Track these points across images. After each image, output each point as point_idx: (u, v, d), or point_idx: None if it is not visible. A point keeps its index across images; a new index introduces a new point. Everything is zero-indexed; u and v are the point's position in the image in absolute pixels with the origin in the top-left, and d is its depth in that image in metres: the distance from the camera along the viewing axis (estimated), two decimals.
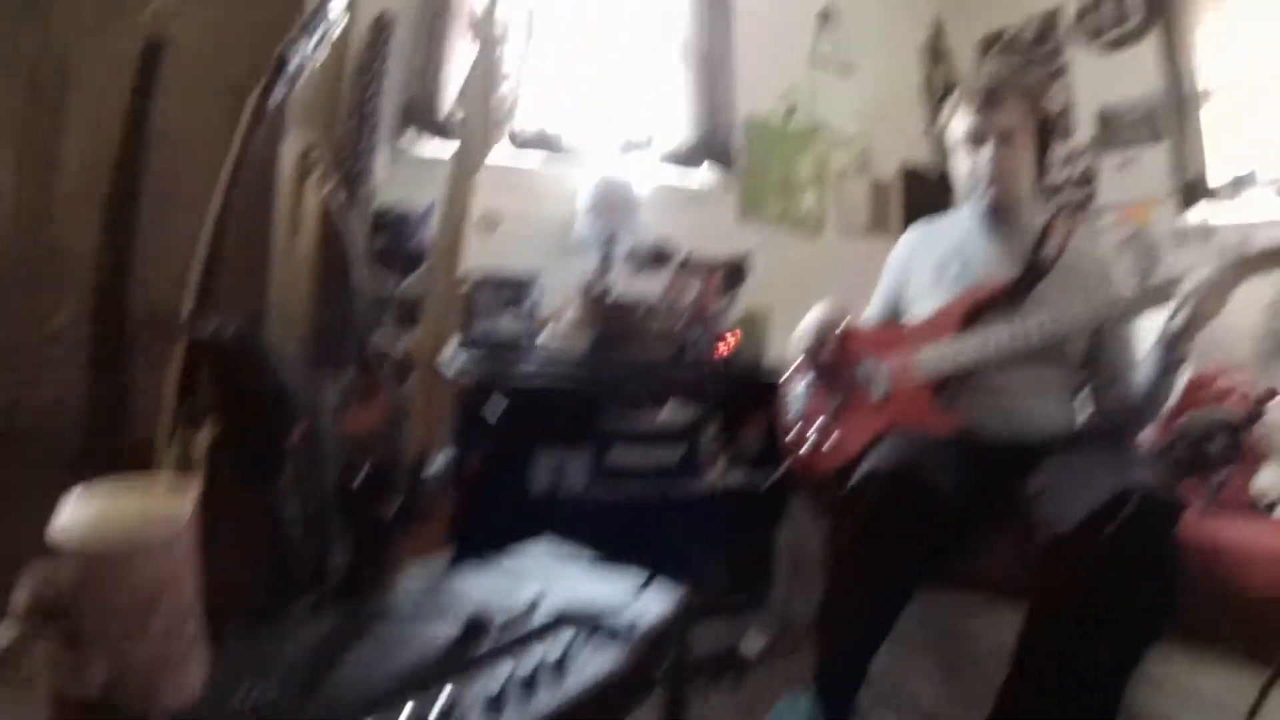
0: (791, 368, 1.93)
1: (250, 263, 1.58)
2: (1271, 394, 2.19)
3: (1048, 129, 1.84)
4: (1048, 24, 3.71)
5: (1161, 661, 1.46)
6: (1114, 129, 3.43)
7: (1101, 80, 3.50)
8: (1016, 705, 1.43)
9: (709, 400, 2.32)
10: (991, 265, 1.81)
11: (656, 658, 1.02)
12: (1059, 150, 3.58)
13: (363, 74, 2.32)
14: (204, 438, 1.16)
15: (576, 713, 0.88)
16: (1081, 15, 3.57)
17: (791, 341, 1.89)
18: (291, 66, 1.29)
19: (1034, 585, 1.47)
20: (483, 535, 1.54)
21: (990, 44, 3.97)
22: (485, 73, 1.60)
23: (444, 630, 0.96)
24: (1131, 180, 3.36)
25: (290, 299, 1.66)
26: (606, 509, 2.09)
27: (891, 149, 3.71)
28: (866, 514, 1.55)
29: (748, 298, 2.94)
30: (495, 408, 1.92)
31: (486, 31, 1.65)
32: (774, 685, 1.89)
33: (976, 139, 1.75)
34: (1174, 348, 1.57)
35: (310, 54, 1.33)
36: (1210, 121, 3.18)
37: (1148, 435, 2.10)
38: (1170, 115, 3.24)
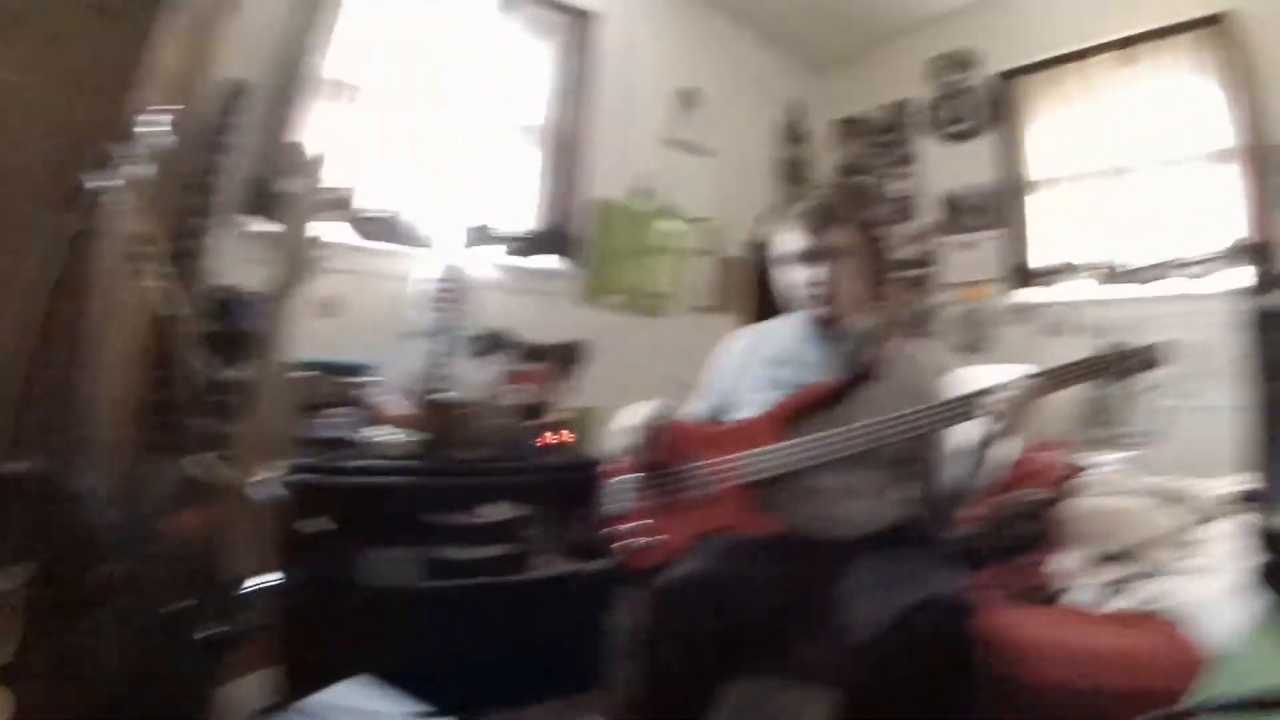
0: (615, 462, 1.95)
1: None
2: (1073, 472, 2.41)
3: (878, 244, 1.93)
4: (898, 113, 4.02)
5: None
6: (955, 214, 3.72)
7: (946, 168, 3.80)
8: None
9: (538, 493, 2.38)
10: (819, 371, 1.87)
11: None
12: (905, 231, 3.89)
13: (209, 147, 2.20)
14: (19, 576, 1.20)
15: None
16: (929, 108, 3.90)
17: (614, 435, 1.91)
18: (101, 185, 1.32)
19: (843, 682, 1.61)
20: (312, 648, 1.57)
21: (845, 127, 4.27)
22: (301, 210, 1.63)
23: None
24: (970, 261, 3.64)
25: (108, 400, 1.69)
26: (439, 603, 2.12)
27: (742, 227, 3.84)
28: (675, 617, 1.59)
29: (588, 383, 3.03)
30: (316, 525, 1.96)
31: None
32: None
33: (808, 259, 1.82)
34: (983, 457, 1.66)
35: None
36: (1038, 212, 3.48)
37: (966, 517, 2.18)
38: (1004, 204, 3.55)
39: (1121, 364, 1.65)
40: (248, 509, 1.68)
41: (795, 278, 1.86)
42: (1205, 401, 2.86)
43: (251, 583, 1.67)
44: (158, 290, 1.74)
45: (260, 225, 2.37)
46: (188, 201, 2.17)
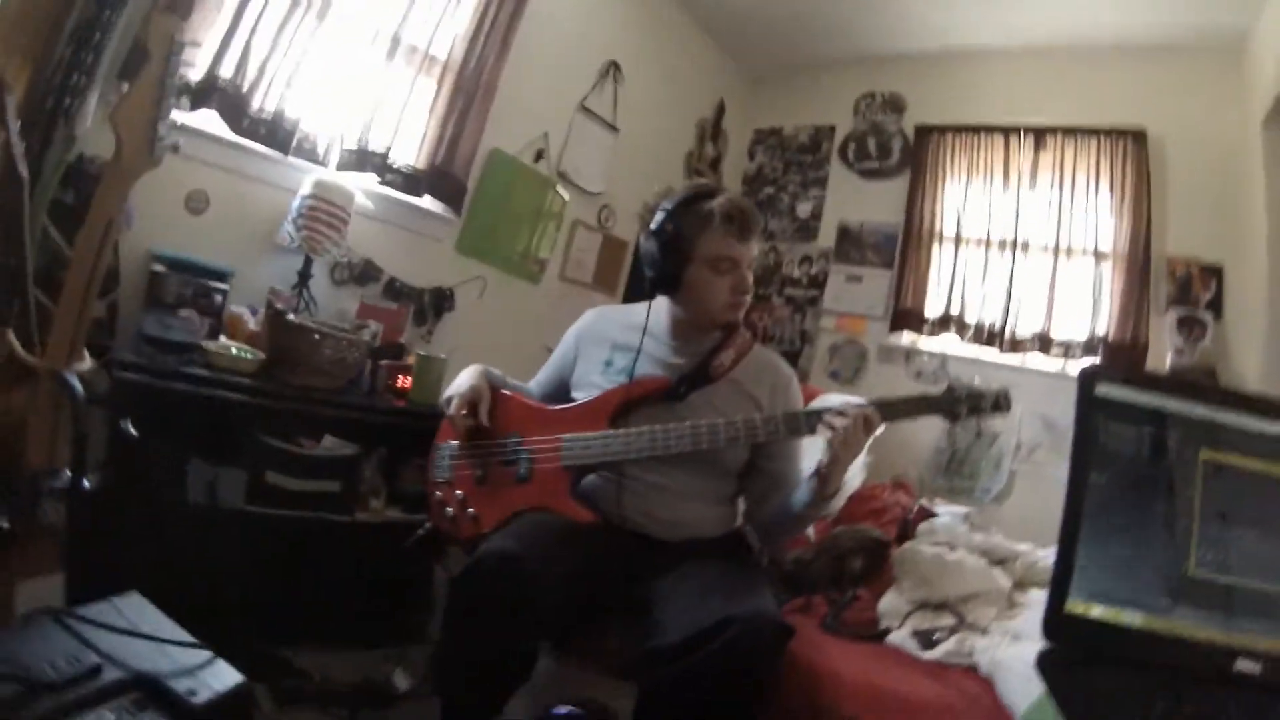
0: (446, 422, 1.94)
1: None
2: (924, 515, 2.54)
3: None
4: (820, 137, 4.15)
5: None
6: (851, 245, 3.86)
7: (852, 200, 3.95)
8: None
9: (376, 435, 2.31)
10: (660, 366, 1.86)
11: None
12: (800, 250, 4.06)
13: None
14: None
15: None
16: (849, 141, 4.03)
17: (443, 401, 1.90)
18: None
19: (644, 680, 1.57)
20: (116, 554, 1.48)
21: (764, 136, 4.36)
22: (157, 77, 1.49)
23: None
24: (855, 294, 3.80)
25: None
26: (261, 527, 2.05)
27: (635, 209, 3.82)
28: (479, 593, 1.57)
29: (447, 332, 3.01)
30: (128, 429, 1.85)
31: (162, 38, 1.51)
32: None
33: (733, 264, 1.79)
34: (823, 479, 1.65)
35: None
36: (929, 263, 3.64)
37: (799, 541, 2.31)
38: (900, 247, 3.70)
39: (973, 402, 1.65)
40: (58, 399, 1.58)
41: (716, 279, 1.81)
42: (1051, 473, 3.13)
43: (51, 479, 1.58)
44: (10, 134, 1.62)
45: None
46: (64, 54, 2.04)
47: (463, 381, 1.89)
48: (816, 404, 2.23)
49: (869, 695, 1.61)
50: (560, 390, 2.00)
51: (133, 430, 1.82)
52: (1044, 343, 3.31)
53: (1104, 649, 0.94)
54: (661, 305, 1.90)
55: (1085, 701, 0.82)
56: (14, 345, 1.58)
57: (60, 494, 1.56)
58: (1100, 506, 0.99)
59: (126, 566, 1.24)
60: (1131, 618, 0.94)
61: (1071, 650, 0.96)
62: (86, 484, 1.58)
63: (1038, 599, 1.94)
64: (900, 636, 1.90)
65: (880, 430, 1.62)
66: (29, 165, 1.67)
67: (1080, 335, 3.25)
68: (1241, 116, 3.00)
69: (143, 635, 1.11)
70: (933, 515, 2.46)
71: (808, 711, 1.62)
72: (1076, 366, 3.17)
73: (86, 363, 1.59)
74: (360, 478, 2.26)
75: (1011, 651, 1.73)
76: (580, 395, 1.90)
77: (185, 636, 1.14)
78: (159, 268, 2.22)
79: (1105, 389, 1.03)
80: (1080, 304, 3.30)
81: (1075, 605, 0.95)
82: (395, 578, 2.33)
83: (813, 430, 1.66)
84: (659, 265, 1.80)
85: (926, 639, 1.87)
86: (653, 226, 1.82)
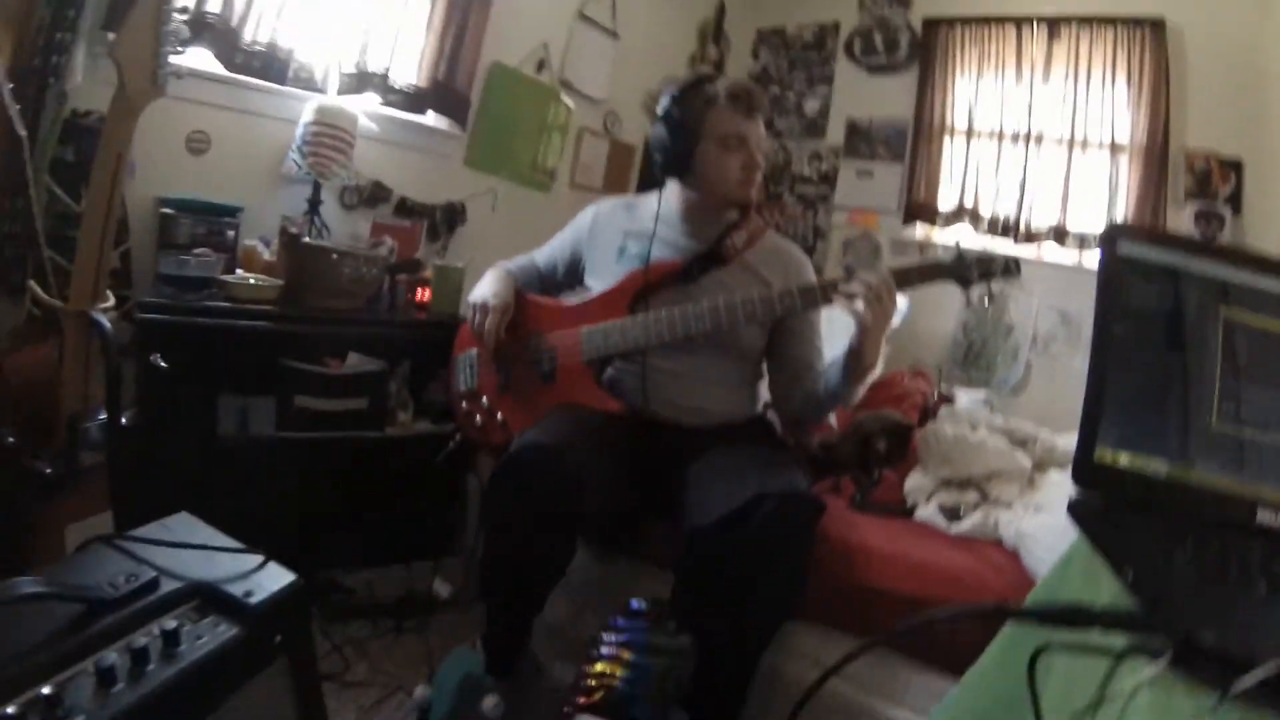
0: (467, 332, 1.98)
1: None
2: (945, 400, 2.58)
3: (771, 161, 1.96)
4: (824, 35, 4.06)
5: (796, 635, 1.73)
6: (861, 141, 3.82)
7: (860, 96, 3.89)
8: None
9: (400, 349, 2.35)
10: (674, 251, 1.87)
11: (272, 629, 1.12)
12: (809, 147, 4.02)
13: None
14: None
15: (187, 683, 0.96)
16: (854, 37, 3.95)
17: (468, 306, 1.92)
18: None
19: (678, 564, 1.66)
20: (160, 489, 1.54)
21: (767, 36, 4.27)
22: (155, 8, 1.47)
23: (63, 611, 1.00)
24: (867, 189, 3.79)
25: None
26: (294, 453, 2.10)
27: (639, 114, 3.77)
28: (517, 484, 1.60)
29: (461, 246, 3.02)
30: (165, 364, 1.90)
31: None
32: (462, 630, 2.03)
33: (740, 141, 1.80)
34: (857, 354, 1.65)
35: None
36: (941, 156, 3.61)
37: (825, 426, 2.35)
38: (911, 140, 3.67)
39: (983, 266, 1.68)
40: (87, 341, 1.62)
41: (723, 157, 1.81)
42: (1067, 365, 3.16)
43: (88, 419, 1.64)
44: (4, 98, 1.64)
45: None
46: (44, 14, 2.01)
47: (486, 290, 1.91)
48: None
49: (901, 567, 1.68)
50: (567, 270, 2.04)
51: (162, 362, 1.86)
52: (1059, 235, 3.29)
53: (1132, 497, 0.94)
54: (672, 191, 1.91)
55: (1118, 545, 0.84)
56: (36, 290, 1.62)
57: (99, 432, 1.63)
58: (1124, 360, 0.98)
59: (167, 499, 1.28)
60: (1158, 467, 0.95)
61: (1101, 497, 0.96)
62: (124, 420, 1.64)
63: (1058, 479, 2.01)
64: (927, 512, 1.96)
65: (902, 306, 1.65)
66: (25, 126, 1.70)
67: (1096, 228, 3.23)
68: (1263, 7, 2.94)
69: (195, 546, 1.16)
70: (952, 401, 2.49)
71: (842, 585, 1.69)
72: (1093, 260, 3.15)
73: (110, 302, 1.63)
74: (387, 393, 2.30)
75: (1035, 522, 1.79)
76: (595, 284, 1.93)
77: (236, 544, 1.19)
78: (168, 211, 2.23)
79: (1128, 247, 1.03)
80: (1096, 197, 3.27)
81: (1103, 453, 0.96)
82: (429, 490, 2.37)
83: (829, 301, 1.69)
84: (668, 148, 1.82)
85: (953, 514, 1.92)
86: (659, 112, 1.83)
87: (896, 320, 2.93)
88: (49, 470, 1.55)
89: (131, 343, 1.93)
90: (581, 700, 1.50)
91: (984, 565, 1.64)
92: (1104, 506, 0.95)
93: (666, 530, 1.79)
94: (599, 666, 1.63)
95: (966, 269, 1.68)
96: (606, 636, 1.69)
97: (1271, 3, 2.86)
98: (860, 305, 1.59)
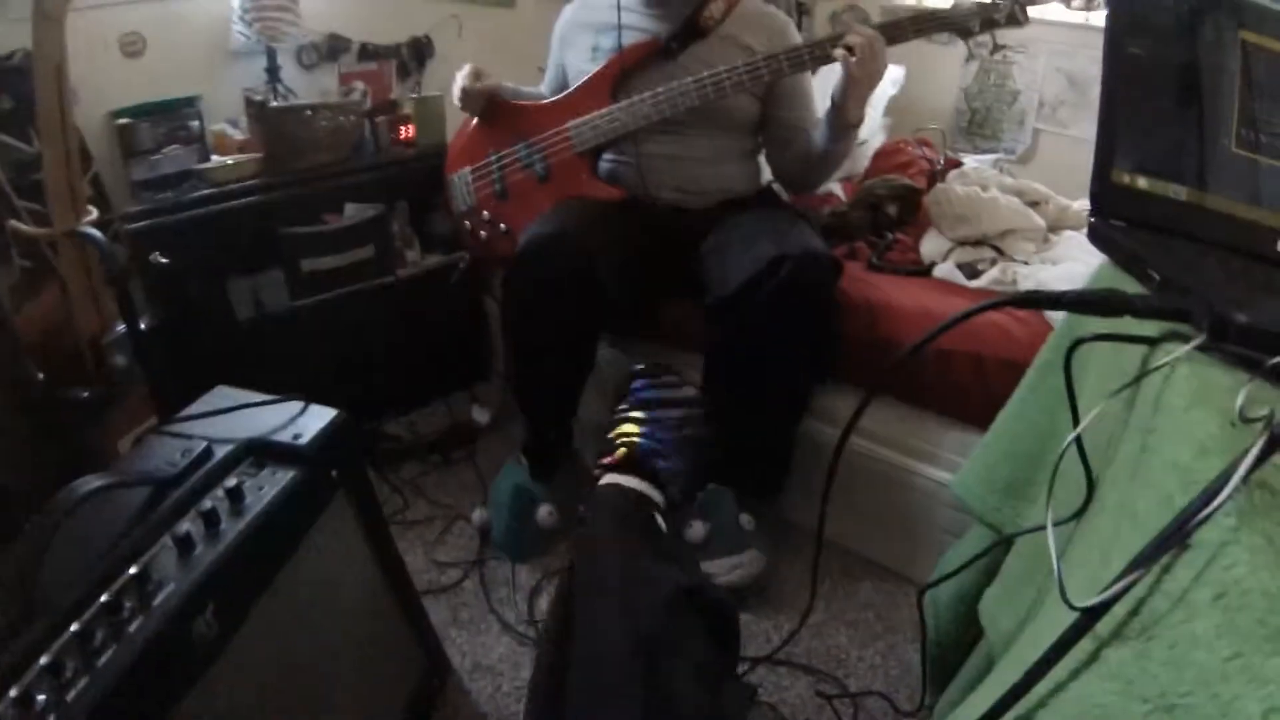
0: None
1: None
2: (952, 165, 2.56)
3: None
4: None
5: (828, 398, 1.81)
6: None
7: None
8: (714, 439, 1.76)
9: (394, 189, 2.34)
10: (650, 25, 1.84)
11: (326, 465, 1.16)
12: None
13: None
14: None
15: (260, 533, 1.00)
16: None
17: (454, 94, 1.91)
18: None
19: (706, 339, 1.74)
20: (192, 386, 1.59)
21: None
22: None
23: (132, 498, 1.06)
24: None
25: None
26: (312, 318, 2.15)
27: None
28: (532, 276, 1.65)
29: (437, 78, 2.88)
30: (166, 263, 1.91)
31: None
32: (507, 449, 2.13)
33: None
34: (840, 109, 1.66)
35: None
36: None
37: (833, 194, 2.37)
38: None
39: (986, 13, 1.64)
40: (85, 261, 1.63)
41: None
42: (1075, 132, 3.07)
43: (110, 336, 1.67)
44: None
45: None
46: None
47: (459, 82, 1.91)
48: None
49: (924, 321, 1.70)
50: (562, 83, 2.01)
51: (162, 259, 1.87)
52: None
53: (1151, 219, 0.93)
54: None
55: (1141, 261, 0.84)
56: (19, 227, 1.61)
57: (123, 345, 1.67)
58: (1138, 80, 0.96)
59: (203, 388, 1.33)
60: (1177, 190, 0.94)
61: (1120, 220, 0.95)
62: (142, 325, 1.67)
63: (1073, 236, 2.01)
64: (945, 269, 1.97)
65: (897, 73, 1.62)
66: None
67: None
68: None
69: (236, 408, 1.22)
70: (960, 164, 2.46)
71: (866, 344, 1.74)
72: (1100, 17, 2.99)
73: (93, 215, 1.63)
74: (390, 236, 2.31)
75: (1054, 274, 1.81)
76: (577, 81, 1.90)
77: (274, 398, 1.25)
78: (124, 122, 2.16)
79: None
80: None
81: (1120, 175, 0.95)
82: (451, 321, 2.44)
83: (818, 61, 1.67)
84: None
85: (971, 270, 1.94)
86: None
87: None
88: (86, 394, 1.61)
89: (129, 256, 1.92)
90: (606, 461, 1.58)
91: (1006, 316, 1.67)
92: (1124, 228, 0.95)
93: (688, 310, 1.84)
94: (618, 430, 1.73)
95: (967, 17, 1.63)
96: (620, 405, 1.77)
97: None
98: (848, 57, 1.57)
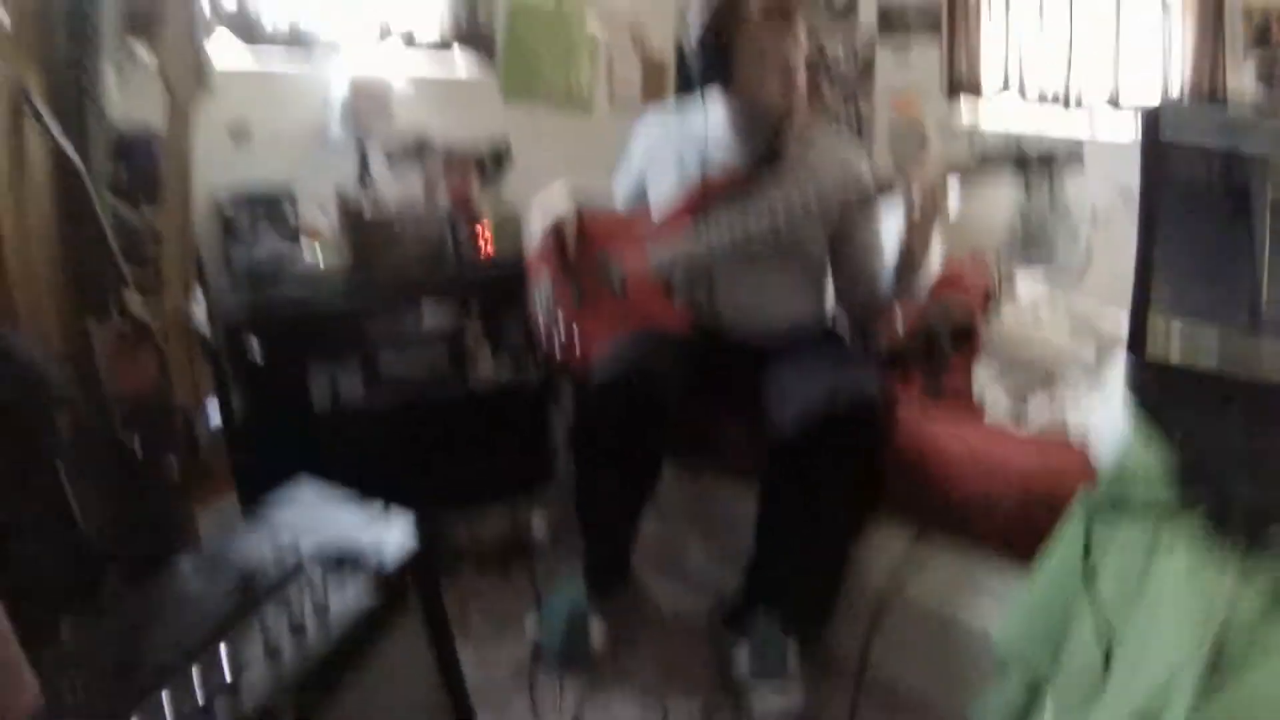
0: (534, 258, 2.12)
1: None
2: (998, 286, 2.65)
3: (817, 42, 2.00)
4: None
5: (882, 533, 1.90)
6: (894, 18, 3.73)
7: None
8: (763, 571, 1.85)
9: (470, 296, 2.51)
10: (730, 156, 1.97)
11: (405, 586, 1.26)
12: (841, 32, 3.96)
13: None
14: None
15: (344, 645, 1.10)
16: None
17: (528, 224, 2.08)
18: None
19: (763, 475, 1.83)
20: (267, 468, 1.72)
21: None
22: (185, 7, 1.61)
23: (217, 589, 1.17)
24: (906, 69, 3.72)
25: (27, 252, 1.71)
26: (385, 415, 2.32)
27: (667, 25, 3.79)
28: (602, 416, 1.79)
29: (514, 183, 3.05)
30: (254, 348, 2.10)
31: None
32: (565, 563, 2.17)
33: (776, 57, 1.85)
34: (904, 252, 1.78)
35: None
36: (980, 25, 3.51)
37: (894, 324, 2.42)
38: (948, 10, 3.57)
39: (1046, 158, 1.74)
40: (187, 340, 1.78)
41: (759, 60, 1.88)
42: (1129, 243, 3.15)
43: (200, 415, 1.82)
44: (52, 139, 1.76)
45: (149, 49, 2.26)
46: (68, 31, 2.11)
47: (549, 199, 2.05)
48: None
49: (972, 468, 1.79)
50: (635, 201, 2.16)
51: (257, 354, 2.04)
52: (1113, 102, 3.22)
53: (1184, 367, 1.02)
54: (716, 103, 1.99)
55: (1170, 412, 0.90)
56: (130, 300, 1.78)
57: (211, 423, 1.82)
58: (1171, 248, 1.04)
59: (280, 472, 1.46)
60: (1210, 339, 1.02)
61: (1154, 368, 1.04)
62: (233, 407, 1.82)
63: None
64: (996, 410, 2.07)
65: (954, 200, 1.72)
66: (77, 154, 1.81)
67: (1152, 94, 3.12)
68: None
69: (320, 510, 1.34)
70: (1014, 285, 2.55)
71: (914, 488, 1.84)
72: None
73: (201, 300, 1.79)
74: (465, 341, 2.48)
75: (1103, 415, 1.87)
76: (658, 198, 2.05)
77: (358, 506, 1.36)
78: (225, 208, 2.38)
79: (1170, 130, 1.06)
80: (1149, 59, 3.15)
81: (1155, 322, 1.03)
82: (518, 426, 2.57)
83: (884, 192, 1.78)
84: (706, 69, 1.91)
85: (1021, 406, 2.03)
86: (694, 30, 1.92)
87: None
88: (175, 466, 1.74)
89: (221, 338, 2.09)
90: None
91: (1054, 462, 1.75)
92: (1157, 377, 1.02)
93: (745, 435, 1.96)
94: None
95: (1027, 163, 1.73)
96: None
97: None
98: (910, 206, 1.70)
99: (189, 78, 1.63)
